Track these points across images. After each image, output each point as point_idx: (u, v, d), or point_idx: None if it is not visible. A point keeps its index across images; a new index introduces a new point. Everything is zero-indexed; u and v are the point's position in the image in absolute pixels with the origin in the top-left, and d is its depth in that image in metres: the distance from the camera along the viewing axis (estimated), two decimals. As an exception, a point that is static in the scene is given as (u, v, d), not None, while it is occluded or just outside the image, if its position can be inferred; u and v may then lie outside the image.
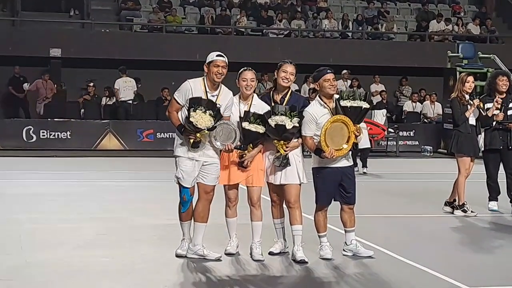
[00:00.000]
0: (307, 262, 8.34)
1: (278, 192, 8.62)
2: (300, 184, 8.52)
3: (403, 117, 25.37)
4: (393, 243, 9.44)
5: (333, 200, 8.59)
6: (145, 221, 10.85)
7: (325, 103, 8.38)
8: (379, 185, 15.88)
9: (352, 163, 8.63)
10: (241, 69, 8.54)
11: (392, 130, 22.70)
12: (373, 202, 12.93)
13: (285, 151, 8.27)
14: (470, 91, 11.59)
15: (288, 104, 8.37)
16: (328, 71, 8.48)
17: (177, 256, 8.46)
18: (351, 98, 8.28)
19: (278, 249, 8.78)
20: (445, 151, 15.06)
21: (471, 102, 11.45)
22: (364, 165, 17.45)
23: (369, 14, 28.94)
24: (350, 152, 8.48)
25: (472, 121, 11.53)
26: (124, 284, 7.58)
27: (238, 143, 8.18)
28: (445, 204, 11.86)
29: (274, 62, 25.36)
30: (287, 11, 28.01)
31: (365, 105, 8.30)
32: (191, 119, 7.98)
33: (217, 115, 8.07)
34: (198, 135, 8.06)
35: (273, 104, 8.37)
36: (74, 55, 24.27)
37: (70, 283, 7.53)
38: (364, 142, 17.44)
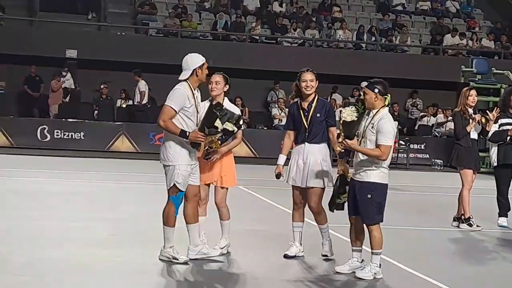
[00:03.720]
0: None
1: (303, 195, 8.80)
2: (323, 189, 8.73)
3: (415, 129, 25.39)
4: (401, 255, 9.46)
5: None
6: (155, 223, 10.86)
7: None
8: (389, 197, 15.86)
9: None
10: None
11: (403, 143, 22.74)
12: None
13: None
14: (473, 104, 11.64)
15: (316, 110, 8.65)
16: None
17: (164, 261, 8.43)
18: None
19: (294, 253, 8.92)
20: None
21: (474, 117, 11.49)
22: None
23: (384, 26, 28.99)
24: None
25: (473, 135, 11.57)
26: (135, 283, 7.65)
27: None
28: (454, 220, 11.88)
29: (287, 70, 25.77)
30: (302, 20, 28.10)
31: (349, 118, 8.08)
32: (216, 124, 8.10)
33: (237, 123, 8.29)
34: (210, 138, 8.17)
35: (301, 111, 8.67)
36: (90, 57, 24.40)
37: (80, 280, 7.59)
38: None
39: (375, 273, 8.12)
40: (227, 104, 8.62)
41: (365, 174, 8.03)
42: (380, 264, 8.16)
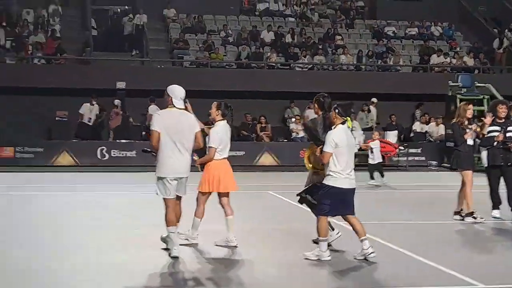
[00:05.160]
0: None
1: None
2: None
3: (411, 136, 25.23)
4: (410, 245, 9.34)
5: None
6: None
7: None
8: (393, 195, 15.84)
9: None
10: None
11: (403, 148, 22.63)
12: (388, 210, 12.93)
13: None
14: (470, 117, 11.64)
15: None
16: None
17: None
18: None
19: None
20: (448, 165, 15.00)
21: (470, 127, 11.46)
22: (382, 175, 17.50)
23: (379, 50, 28.89)
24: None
25: (470, 141, 11.52)
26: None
27: None
28: (454, 214, 11.77)
29: (300, 91, 25.68)
30: (310, 48, 28.03)
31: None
32: None
33: None
34: None
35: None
36: (136, 87, 24.42)
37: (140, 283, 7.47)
38: (377, 157, 17.55)
39: (317, 255, 8.35)
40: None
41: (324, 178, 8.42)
42: (325, 250, 8.36)
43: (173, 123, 8.40)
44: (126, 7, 29.30)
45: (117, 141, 22.16)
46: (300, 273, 7.88)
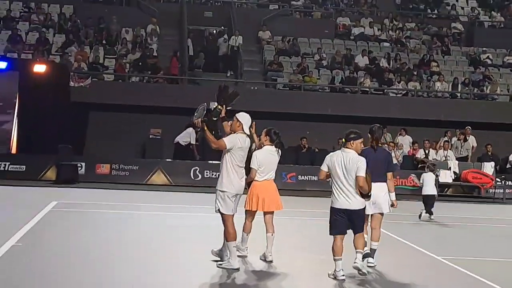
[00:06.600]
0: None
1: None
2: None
3: (507, 167, 24.56)
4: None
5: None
6: (295, 254, 10.81)
7: None
8: (495, 230, 15.42)
9: None
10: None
11: (499, 180, 22.06)
12: (491, 245, 12.59)
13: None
14: None
15: None
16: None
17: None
18: None
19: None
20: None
21: None
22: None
23: (476, 77, 28.36)
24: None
25: None
26: None
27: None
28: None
29: (393, 117, 25.46)
30: (405, 74, 27.78)
31: None
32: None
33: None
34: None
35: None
36: (229, 107, 24.60)
37: None
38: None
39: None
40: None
41: None
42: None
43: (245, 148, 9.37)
44: (222, 28, 29.76)
45: (209, 162, 22.47)
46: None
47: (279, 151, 10.02)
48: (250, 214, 9.95)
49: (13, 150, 22.32)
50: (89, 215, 14.34)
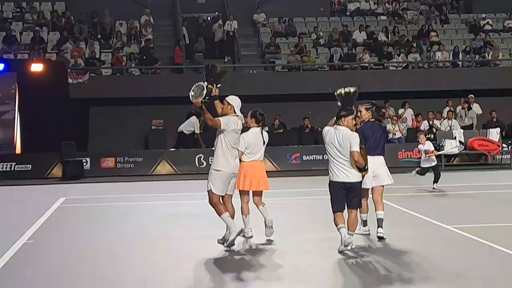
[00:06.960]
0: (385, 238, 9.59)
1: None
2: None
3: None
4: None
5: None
6: (308, 235, 10.76)
7: None
8: (504, 196, 15.37)
9: None
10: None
11: (506, 146, 21.97)
12: (500, 211, 12.54)
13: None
14: None
15: None
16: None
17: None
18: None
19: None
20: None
21: None
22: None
23: (476, 44, 28.20)
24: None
25: None
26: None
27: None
28: None
29: (394, 90, 25.36)
30: (404, 46, 27.64)
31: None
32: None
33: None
34: None
35: None
36: (229, 93, 24.48)
37: None
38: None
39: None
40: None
41: None
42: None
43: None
44: (216, 13, 29.64)
45: (213, 148, 22.34)
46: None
47: (263, 131, 10.19)
48: (243, 194, 10.11)
49: (18, 151, 22.36)
50: (97, 209, 14.35)
